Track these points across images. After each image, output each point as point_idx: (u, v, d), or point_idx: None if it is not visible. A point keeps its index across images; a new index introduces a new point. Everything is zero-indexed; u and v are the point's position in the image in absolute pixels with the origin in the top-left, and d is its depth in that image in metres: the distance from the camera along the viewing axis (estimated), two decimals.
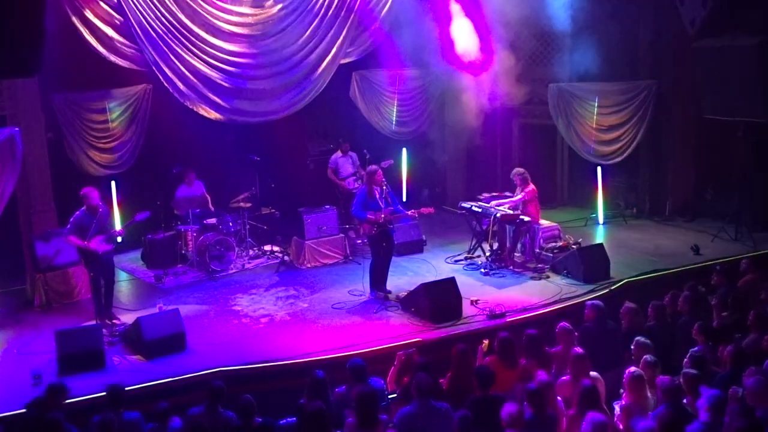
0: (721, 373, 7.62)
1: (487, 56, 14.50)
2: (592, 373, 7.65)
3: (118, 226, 11.27)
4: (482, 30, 14.45)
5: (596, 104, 15.17)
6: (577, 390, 7.03)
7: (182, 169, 13.38)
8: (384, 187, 11.60)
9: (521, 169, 13.14)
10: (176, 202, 13.18)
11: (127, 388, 7.81)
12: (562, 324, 8.64)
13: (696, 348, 8.09)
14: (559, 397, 7.31)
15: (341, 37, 14.39)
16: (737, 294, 9.71)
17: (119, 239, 11.07)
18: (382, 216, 11.40)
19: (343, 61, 14.67)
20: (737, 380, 7.16)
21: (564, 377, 7.69)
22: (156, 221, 12.86)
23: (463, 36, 14.50)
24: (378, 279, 11.76)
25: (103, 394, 7.62)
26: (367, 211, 11.43)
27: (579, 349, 7.83)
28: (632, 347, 8.09)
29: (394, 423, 6.92)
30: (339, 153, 14.57)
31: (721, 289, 9.97)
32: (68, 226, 10.61)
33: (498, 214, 12.62)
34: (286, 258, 13.44)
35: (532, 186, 12.89)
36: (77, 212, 10.61)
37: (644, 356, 7.63)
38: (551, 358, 8.33)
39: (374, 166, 12.01)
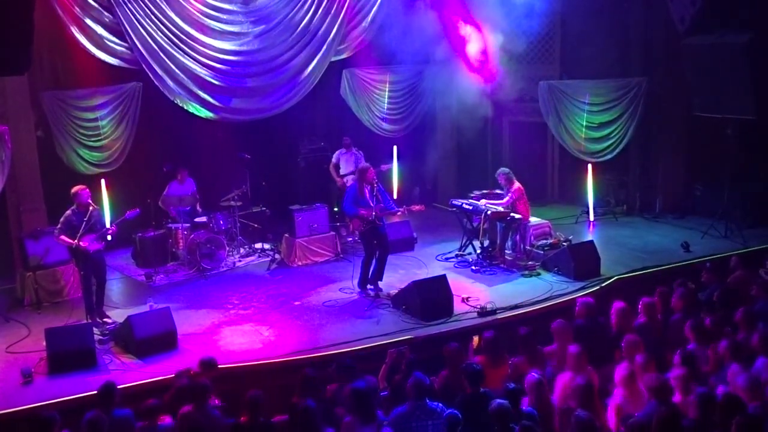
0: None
1: (487, 58, 14.70)
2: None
3: (108, 224, 11.23)
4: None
5: (587, 102, 15.20)
6: (574, 386, 7.04)
7: (174, 166, 13.35)
8: (374, 186, 11.61)
9: (505, 169, 13.11)
10: (165, 199, 13.17)
11: (118, 387, 7.78)
12: (557, 321, 8.66)
13: (687, 345, 8.12)
14: (552, 393, 7.34)
15: (332, 35, 14.39)
16: (727, 291, 9.74)
17: (109, 237, 11.01)
18: (373, 213, 11.41)
19: (333, 59, 14.67)
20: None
21: (564, 373, 7.69)
22: (146, 219, 12.83)
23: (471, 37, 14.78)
24: (367, 277, 11.76)
25: (95, 393, 7.62)
26: (358, 207, 11.45)
27: (576, 346, 7.85)
28: (623, 345, 8.11)
29: (388, 422, 6.92)
30: (342, 149, 14.54)
31: (711, 287, 10.00)
32: (58, 225, 10.58)
33: (489, 212, 12.64)
34: (277, 256, 13.43)
35: (517, 184, 12.86)
36: (67, 211, 10.57)
37: (637, 355, 7.64)
38: (545, 357, 8.35)
39: (365, 164, 12.07)
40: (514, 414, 6.54)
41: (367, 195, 11.51)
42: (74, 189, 10.59)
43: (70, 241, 10.41)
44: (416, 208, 12.13)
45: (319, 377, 7.68)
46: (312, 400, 6.95)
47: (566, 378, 7.50)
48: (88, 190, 10.70)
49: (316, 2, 14.10)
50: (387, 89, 15.70)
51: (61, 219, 10.55)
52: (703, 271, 10.55)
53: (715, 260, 11.69)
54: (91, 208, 10.57)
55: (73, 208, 10.53)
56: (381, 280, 11.80)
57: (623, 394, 7.13)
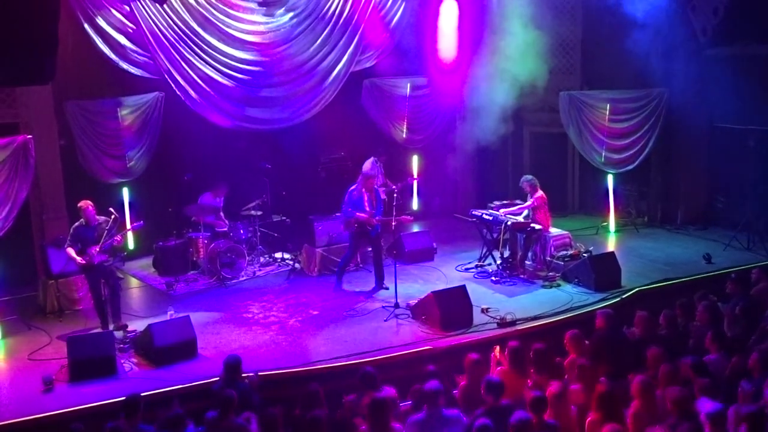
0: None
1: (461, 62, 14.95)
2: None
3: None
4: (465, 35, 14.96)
5: (608, 112, 15.14)
6: (594, 395, 7.00)
7: (215, 180, 13.36)
8: (373, 193, 12.14)
9: (530, 176, 13.14)
10: (196, 207, 13.10)
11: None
12: (570, 332, 8.62)
13: (707, 357, 8.05)
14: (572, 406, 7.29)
15: (352, 45, 14.44)
16: (751, 303, 9.65)
17: (116, 248, 11.12)
18: (375, 219, 11.99)
19: (355, 69, 14.71)
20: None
21: (574, 386, 7.65)
22: (167, 228, 12.88)
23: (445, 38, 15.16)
24: (343, 270, 12.58)
25: (115, 401, 7.65)
26: (355, 210, 11.98)
27: (583, 360, 7.82)
28: (647, 355, 8.05)
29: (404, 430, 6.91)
30: (374, 158, 14.43)
31: (735, 298, 9.91)
32: (68, 237, 10.72)
33: (509, 222, 12.61)
34: (296, 265, 13.47)
35: (540, 193, 12.85)
36: (76, 223, 10.74)
37: (661, 365, 7.58)
38: (563, 369, 8.29)
39: (371, 172, 12.60)
40: (534, 427, 6.50)
41: (365, 200, 11.96)
42: (79, 204, 10.72)
43: (73, 256, 10.56)
44: (406, 219, 12.41)
45: (338, 388, 7.67)
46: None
47: (581, 389, 7.48)
48: (93, 205, 10.69)
49: (337, 13, 14.15)
50: (408, 100, 15.71)
51: (71, 231, 10.73)
52: (728, 281, 10.44)
53: (739, 272, 11.56)
54: (96, 222, 10.64)
55: (81, 221, 10.69)
56: (384, 279, 12.25)
57: (639, 404, 7.07)
